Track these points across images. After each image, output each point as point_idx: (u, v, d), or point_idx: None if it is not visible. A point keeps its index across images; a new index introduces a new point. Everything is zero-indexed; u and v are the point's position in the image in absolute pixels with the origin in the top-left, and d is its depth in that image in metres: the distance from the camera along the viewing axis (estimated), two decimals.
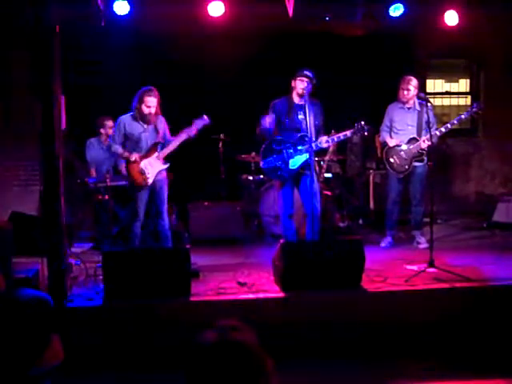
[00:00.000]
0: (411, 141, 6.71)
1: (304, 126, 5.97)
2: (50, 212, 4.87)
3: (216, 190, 7.78)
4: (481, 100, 8.93)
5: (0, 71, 7.18)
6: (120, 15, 5.94)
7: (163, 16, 6.02)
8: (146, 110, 5.90)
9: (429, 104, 6.13)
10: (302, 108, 5.97)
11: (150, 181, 5.96)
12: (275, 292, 5.09)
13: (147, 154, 6.00)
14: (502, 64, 8.69)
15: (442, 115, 9.22)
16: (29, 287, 4.13)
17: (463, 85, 9.57)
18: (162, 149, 6.04)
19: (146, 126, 5.98)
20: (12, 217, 6.54)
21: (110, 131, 7.06)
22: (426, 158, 6.71)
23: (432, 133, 6.11)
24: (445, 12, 6.05)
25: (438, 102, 9.45)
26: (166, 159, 6.08)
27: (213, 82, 7.82)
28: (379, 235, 7.21)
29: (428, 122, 6.28)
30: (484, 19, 6.72)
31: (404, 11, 5.88)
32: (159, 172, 6.02)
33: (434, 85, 9.51)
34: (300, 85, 5.98)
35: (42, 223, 5.36)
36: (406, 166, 6.72)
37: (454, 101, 9.62)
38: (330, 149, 7.19)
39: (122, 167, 6.69)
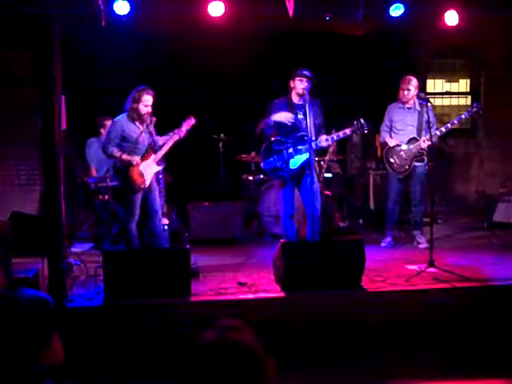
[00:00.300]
0: (411, 141, 6.71)
1: (304, 125, 5.96)
2: (50, 212, 4.88)
3: (216, 190, 7.78)
4: (481, 100, 8.93)
5: (0, 71, 7.17)
6: (120, 15, 5.94)
7: (163, 16, 6.02)
8: (143, 110, 5.79)
9: (429, 104, 6.14)
10: (301, 108, 5.96)
11: (148, 183, 5.91)
12: (275, 292, 5.10)
13: (145, 156, 5.97)
14: (503, 64, 8.69)
15: (442, 115, 9.21)
16: (29, 287, 4.13)
17: (463, 85, 9.57)
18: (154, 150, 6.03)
19: (141, 127, 5.89)
20: (12, 217, 6.53)
21: None
22: (426, 158, 6.71)
23: (432, 133, 6.11)
24: (445, 12, 6.04)
25: (438, 101, 9.44)
26: (161, 160, 6.07)
27: (213, 81, 7.82)
28: (379, 235, 7.21)
29: (428, 122, 6.28)
30: (484, 19, 6.72)
31: (404, 11, 5.87)
32: (155, 174, 6.01)
33: (434, 85, 9.51)
34: (300, 85, 5.97)
35: (42, 223, 5.37)
36: (406, 166, 6.72)
37: (454, 101, 9.62)
38: (330, 149, 7.17)
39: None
